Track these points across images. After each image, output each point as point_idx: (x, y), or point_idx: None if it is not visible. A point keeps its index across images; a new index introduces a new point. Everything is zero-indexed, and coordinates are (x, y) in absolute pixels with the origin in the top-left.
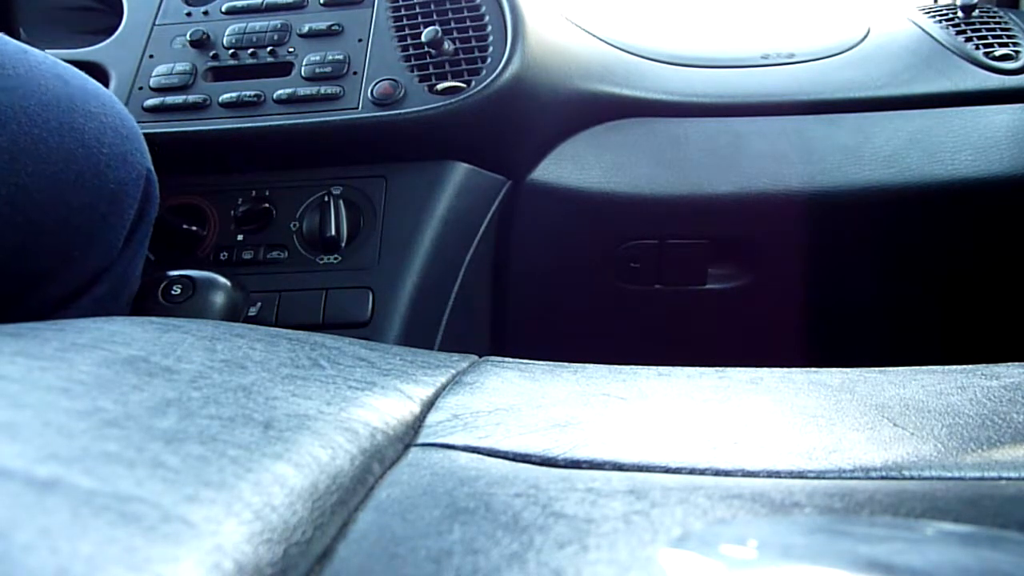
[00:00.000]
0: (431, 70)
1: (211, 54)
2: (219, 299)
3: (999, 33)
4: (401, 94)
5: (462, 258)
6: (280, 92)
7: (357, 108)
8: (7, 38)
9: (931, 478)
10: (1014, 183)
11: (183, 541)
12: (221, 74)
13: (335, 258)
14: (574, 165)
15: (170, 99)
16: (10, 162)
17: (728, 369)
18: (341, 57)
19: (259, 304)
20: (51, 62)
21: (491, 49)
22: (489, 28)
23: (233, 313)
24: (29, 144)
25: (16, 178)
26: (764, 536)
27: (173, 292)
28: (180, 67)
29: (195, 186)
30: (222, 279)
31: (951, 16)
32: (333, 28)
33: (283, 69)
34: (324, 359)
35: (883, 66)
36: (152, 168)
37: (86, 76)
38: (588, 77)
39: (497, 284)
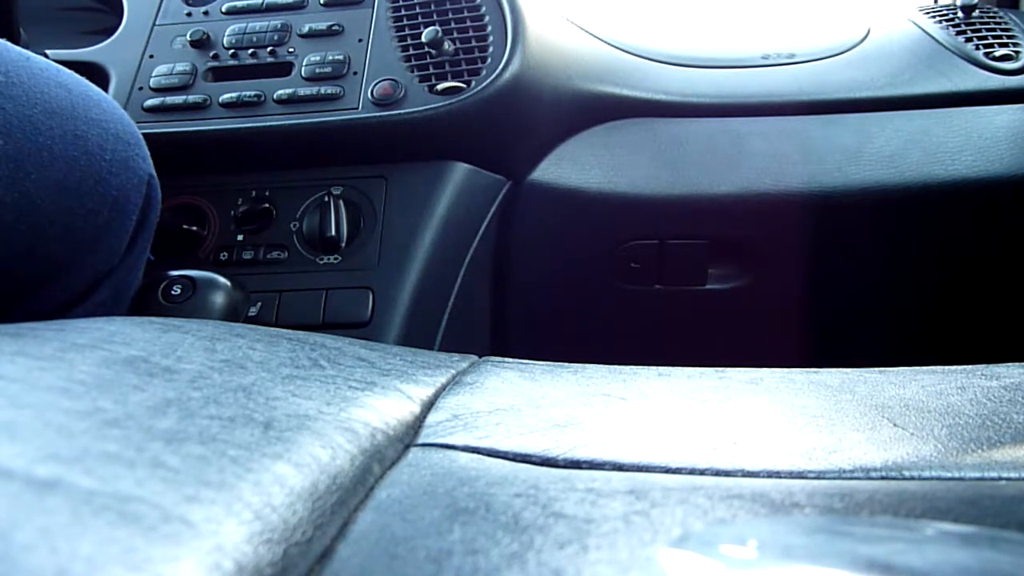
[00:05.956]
0: (431, 70)
1: (211, 54)
2: (219, 299)
3: (999, 33)
4: (401, 94)
5: (462, 258)
6: (280, 92)
7: (357, 108)
8: (9, 45)
9: (931, 478)
10: (1014, 183)
11: (183, 541)
12: (221, 74)
13: (335, 258)
14: (574, 165)
15: (170, 99)
16: (15, 170)
17: (728, 369)
18: (341, 57)
19: (259, 304)
20: (54, 69)
21: (491, 49)
22: (489, 28)
23: (233, 313)
24: (34, 152)
25: (20, 185)
26: (764, 536)
27: (173, 292)
28: (180, 67)
29: (195, 186)
30: (222, 279)
31: (951, 16)
32: (333, 28)
33: (283, 69)
34: (324, 359)
35: (883, 66)
36: (154, 174)
37: (88, 83)
38: (588, 77)
39: (497, 284)
